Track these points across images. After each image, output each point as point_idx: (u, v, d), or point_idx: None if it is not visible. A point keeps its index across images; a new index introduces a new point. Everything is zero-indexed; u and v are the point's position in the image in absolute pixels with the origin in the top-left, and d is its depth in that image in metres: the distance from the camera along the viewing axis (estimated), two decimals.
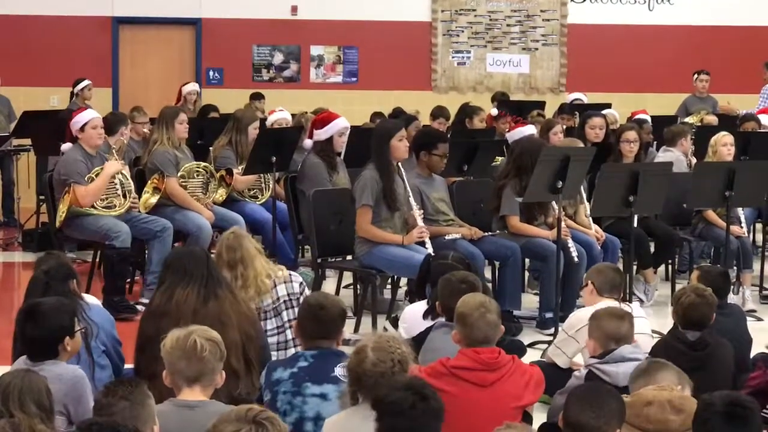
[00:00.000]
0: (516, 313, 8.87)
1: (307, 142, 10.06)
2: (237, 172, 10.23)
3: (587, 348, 5.70)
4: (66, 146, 9.59)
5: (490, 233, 8.99)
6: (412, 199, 8.57)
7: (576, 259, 8.73)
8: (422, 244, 8.48)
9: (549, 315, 8.69)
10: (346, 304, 5.50)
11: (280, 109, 11.91)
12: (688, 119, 14.08)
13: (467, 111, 13.07)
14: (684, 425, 4.50)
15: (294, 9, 16.88)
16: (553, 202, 8.68)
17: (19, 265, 11.82)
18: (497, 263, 9.20)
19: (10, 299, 10.32)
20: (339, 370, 4.98)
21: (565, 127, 11.36)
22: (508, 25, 17.36)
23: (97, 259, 9.92)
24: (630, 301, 8.60)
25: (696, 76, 15.47)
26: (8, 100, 14.44)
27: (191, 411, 4.55)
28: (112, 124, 10.19)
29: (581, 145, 9.81)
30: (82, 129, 9.38)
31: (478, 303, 5.26)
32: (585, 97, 14.83)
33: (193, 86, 15.14)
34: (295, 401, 5.03)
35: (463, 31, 17.31)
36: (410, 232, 8.53)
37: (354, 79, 17.20)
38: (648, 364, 5.01)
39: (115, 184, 9.38)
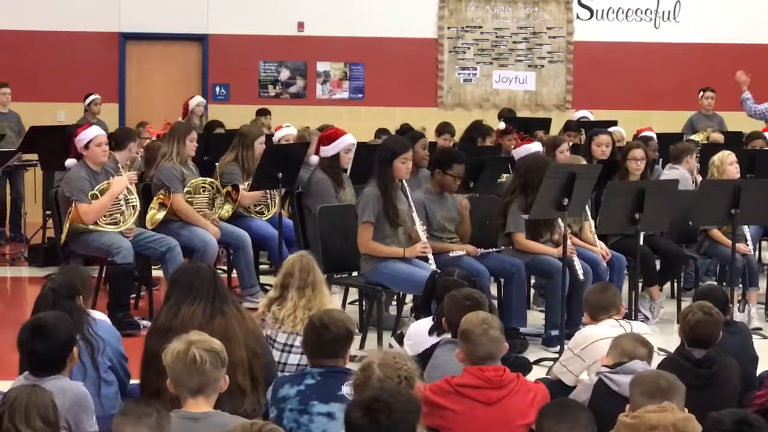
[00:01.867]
0: (521, 330, 8.86)
1: (312, 158, 10.08)
2: (243, 188, 10.23)
3: (601, 362, 5.69)
4: (70, 162, 9.58)
5: (495, 250, 8.99)
6: (415, 215, 8.57)
7: (581, 277, 8.72)
8: (425, 259, 8.48)
9: (555, 332, 8.68)
10: (352, 321, 5.47)
11: (287, 125, 11.93)
12: (694, 137, 14.09)
13: (481, 130, 13.07)
14: None
15: (300, 25, 16.92)
16: (559, 219, 8.68)
17: (25, 280, 11.83)
18: (502, 280, 9.19)
19: (16, 314, 10.32)
20: (346, 389, 4.97)
21: (571, 144, 11.36)
22: (514, 42, 17.40)
23: (103, 275, 9.93)
24: (636, 318, 8.60)
25: (702, 93, 15.48)
26: (18, 116, 14.47)
27: (195, 423, 4.55)
28: (121, 139, 10.20)
29: (585, 162, 9.81)
30: (86, 146, 9.38)
31: (480, 320, 5.26)
32: (591, 115, 14.84)
33: (200, 99, 15.19)
34: (301, 419, 5.03)
35: (469, 48, 17.34)
36: (413, 245, 8.54)
37: (360, 95, 17.23)
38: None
39: (119, 199, 9.37)
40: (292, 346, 6.38)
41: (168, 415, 4.34)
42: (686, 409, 4.68)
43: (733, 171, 10.11)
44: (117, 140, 10.05)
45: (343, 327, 5.25)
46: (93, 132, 9.49)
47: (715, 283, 10.53)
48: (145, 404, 4.31)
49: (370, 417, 3.83)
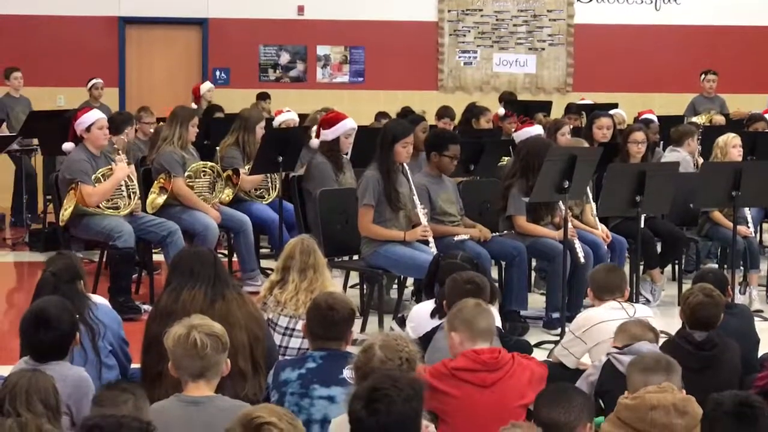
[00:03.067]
0: (522, 313, 8.86)
1: (314, 141, 10.08)
2: (243, 172, 10.23)
3: (611, 345, 5.70)
4: (68, 146, 9.57)
5: (496, 233, 8.98)
6: (416, 198, 8.57)
7: (582, 260, 8.72)
8: (426, 243, 8.48)
9: (555, 315, 8.68)
10: (353, 303, 5.48)
11: (287, 109, 11.91)
12: (696, 119, 14.08)
13: (474, 111, 13.09)
14: (688, 428, 4.50)
15: (300, 9, 16.89)
16: (560, 202, 8.68)
17: (26, 265, 11.83)
18: (503, 263, 9.19)
19: (17, 299, 10.35)
20: (347, 372, 4.96)
21: (572, 127, 11.35)
22: (514, 25, 17.36)
23: (104, 259, 9.92)
24: (637, 301, 8.60)
25: (703, 76, 15.45)
26: (29, 101, 14.46)
27: (197, 407, 4.54)
28: (118, 123, 10.20)
29: (586, 144, 9.81)
30: (88, 129, 9.37)
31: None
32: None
33: (210, 85, 15.28)
34: (302, 403, 5.02)
35: (469, 31, 17.31)
36: (414, 229, 8.54)
37: (360, 78, 17.21)
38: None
39: (121, 185, 9.37)
40: (293, 329, 6.38)
41: (144, 394, 4.33)
42: (684, 391, 4.69)
43: (735, 154, 10.11)
44: (115, 124, 10.04)
45: (348, 307, 5.26)
46: (94, 115, 9.49)
47: (716, 266, 10.54)
48: (120, 390, 4.30)
49: (369, 409, 3.81)
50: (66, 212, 9.22)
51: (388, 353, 4.61)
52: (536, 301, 9.42)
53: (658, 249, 9.94)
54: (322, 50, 17.15)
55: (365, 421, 3.79)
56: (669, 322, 8.48)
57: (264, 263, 10.48)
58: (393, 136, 8.61)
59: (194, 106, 14.04)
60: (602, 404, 5.42)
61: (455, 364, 5.12)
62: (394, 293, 9.35)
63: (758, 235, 10.73)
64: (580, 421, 4.21)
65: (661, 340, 6.29)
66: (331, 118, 10.02)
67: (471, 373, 5.09)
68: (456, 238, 8.72)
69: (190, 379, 4.63)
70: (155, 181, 9.75)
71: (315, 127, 10.49)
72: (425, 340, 5.91)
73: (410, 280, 9.12)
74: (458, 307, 5.32)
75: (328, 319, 5.18)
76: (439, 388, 5.04)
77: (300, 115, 12.08)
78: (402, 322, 7.06)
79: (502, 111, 13.23)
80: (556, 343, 7.44)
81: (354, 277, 9.60)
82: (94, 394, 4.60)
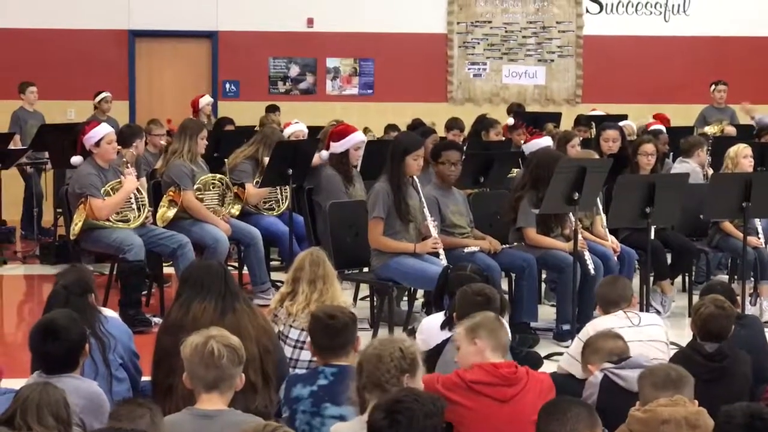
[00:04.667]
0: (533, 324, 8.86)
1: (324, 153, 10.08)
2: (250, 185, 10.23)
3: (591, 371, 5.68)
4: (77, 159, 9.60)
5: (506, 245, 8.98)
6: (426, 210, 8.57)
7: (592, 271, 8.71)
8: (436, 255, 8.48)
9: (566, 327, 8.67)
10: (354, 313, 5.46)
11: (296, 121, 11.92)
12: (707, 129, 14.08)
13: (484, 123, 13.10)
14: None
15: (310, 21, 16.91)
16: (570, 214, 8.67)
17: (36, 278, 11.85)
18: (513, 275, 9.19)
19: (28, 312, 10.36)
20: None
21: (581, 138, 11.35)
22: (523, 37, 17.37)
23: (115, 272, 9.93)
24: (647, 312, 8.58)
25: (713, 86, 15.45)
26: (42, 116, 14.48)
27: (209, 420, 4.53)
28: (127, 136, 10.21)
29: (596, 156, 9.80)
30: (97, 144, 9.39)
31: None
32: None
33: (209, 99, 15.21)
34: (313, 422, 5.02)
35: (479, 43, 17.32)
36: (425, 241, 8.54)
37: (370, 91, 17.22)
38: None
39: (130, 198, 9.39)
40: (304, 342, 6.36)
41: (159, 410, 4.33)
42: (696, 402, 4.68)
43: (746, 165, 10.09)
44: (124, 137, 10.06)
45: (347, 313, 5.28)
46: (104, 130, 9.50)
47: (726, 277, 10.52)
48: (137, 405, 4.31)
49: (390, 419, 3.81)
50: (77, 227, 9.25)
51: (384, 342, 4.62)
52: (546, 313, 9.41)
53: (669, 260, 9.92)
54: (331, 62, 17.17)
55: (385, 430, 3.79)
56: (679, 333, 8.49)
57: (274, 276, 10.48)
58: (404, 149, 8.61)
59: None
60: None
61: (473, 377, 5.08)
62: (404, 305, 9.34)
63: None
64: (578, 430, 4.18)
65: (672, 352, 6.30)
66: (341, 131, 10.03)
67: (489, 386, 5.06)
68: (466, 250, 8.71)
69: (204, 390, 4.61)
70: (165, 195, 9.76)
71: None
72: (435, 352, 5.90)
73: (420, 292, 9.12)
74: (479, 317, 5.30)
75: (331, 329, 5.19)
76: (451, 398, 5.03)
77: (309, 128, 12.07)
78: (412, 334, 7.05)
79: (511, 121, 13.23)
80: None
81: (364, 290, 9.60)
82: (111, 409, 4.61)
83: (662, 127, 12.56)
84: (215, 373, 4.60)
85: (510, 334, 5.42)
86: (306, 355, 6.36)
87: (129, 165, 9.66)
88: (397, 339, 4.70)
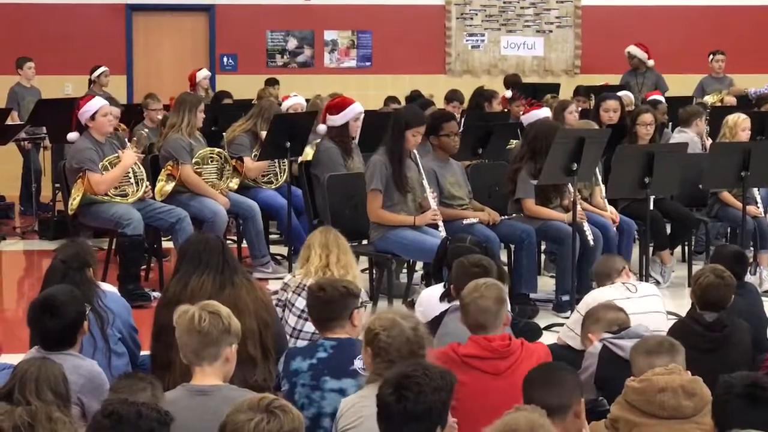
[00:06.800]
0: (532, 295, 8.86)
1: (321, 127, 10.05)
2: (248, 159, 10.21)
3: (592, 341, 5.68)
4: (73, 135, 9.58)
5: (505, 217, 8.97)
6: (425, 182, 8.55)
7: (591, 242, 8.71)
8: (435, 227, 8.47)
9: (565, 298, 8.67)
10: (357, 287, 5.43)
11: (294, 94, 11.88)
12: (707, 98, 14.06)
13: (485, 95, 13.08)
14: (696, 409, 4.50)
15: None
16: (569, 185, 8.66)
17: (35, 254, 11.85)
18: (513, 246, 9.19)
19: (27, 287, 10.37)
20: (358, 363, 4.93)
21: (580, 109, 11.33)
22: (522, 8, 17.31)
23: (113, 247, 9.93)
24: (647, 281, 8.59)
25: (712, 56, 15.43)
26: (39, 92, 14.45)
27: (205, 397, 4.49)
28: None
29: (596, 127, 9.79)
30: (92, 117, 9.37)
31: (472, 288, 5.22)
32: None
33: (206, 72, 15.19)
34: (313, 396, 5.01)
35: (476, 14, 17.26)
36: (423, 213, 8.53)
37: (368, 63, 17.18)
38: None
39: (128, 172, 9.38)
40: None
41: (159, 384, 4.31)
42: (689, 373, 4.67)
43: (743, 137, 10.07)
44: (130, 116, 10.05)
45: (339, 286, 5.24)
46: (98, 103, 9.48)
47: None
48: (137, 378, 4.30)
49: (398, 395, 3.81)
50: (74, 201, 9.24)
51: (384, 314, 4.63)
52: (546, 284, 9.41)
53: (668, 230, 9.92)
54: (329, 35, 17.12)
55: (392, 406, 3.79)
56: (679, 303, 8.49)
57: (273, 249, 10.48)
58: (405, 123, 8.57)
59: None
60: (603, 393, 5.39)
61: (465, 351, 5.06)
62: (403, 278, 9.34)
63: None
64: (573, 400, 4.17)
65: (671, 322, 6.31)
66: (338, 103, 9.98)
67: (482, 360, 5.03)
68: (465, 222, 8.70)
69: (195, 361, 4.55)
70: (163, 169, 9.75)
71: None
72: (434, 323, 5.90)
73: (419, 265, 9.12)
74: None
75: (320, 300, 5.19)
76: None
77: (308, 101, 12.04)
78: (412, 307, 7.06)
79: (509, 93, 13.21)
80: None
81: (363, 262, 9.59)
82: (111, 384, 4.60)
83: (661, 97, 12.54)
84: (198, 339, 4.51)
85: (508, 303, 5.39)
86: (310, 326, 6.34)
87: (135, 145, 9.63)
88: (395, 310, 4.69)
